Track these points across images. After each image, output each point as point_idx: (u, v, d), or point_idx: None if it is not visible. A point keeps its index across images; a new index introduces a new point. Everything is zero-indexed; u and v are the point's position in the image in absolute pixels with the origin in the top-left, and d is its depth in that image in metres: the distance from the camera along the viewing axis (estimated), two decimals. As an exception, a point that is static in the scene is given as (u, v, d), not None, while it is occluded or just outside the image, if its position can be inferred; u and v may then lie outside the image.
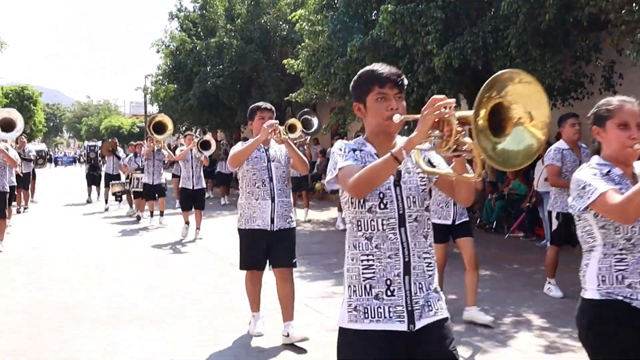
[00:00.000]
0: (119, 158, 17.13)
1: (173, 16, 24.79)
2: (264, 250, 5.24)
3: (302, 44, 14.27)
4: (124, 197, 16.24)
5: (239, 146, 5.31)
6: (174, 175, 17.34)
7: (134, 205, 15.29)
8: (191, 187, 11.29)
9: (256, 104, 5.61)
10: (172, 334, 5.74)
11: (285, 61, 15.45)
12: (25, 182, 15.96)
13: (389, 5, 10.09)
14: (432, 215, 5.07)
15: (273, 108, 5.54)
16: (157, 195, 13.14)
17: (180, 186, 11.85)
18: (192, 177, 11.26)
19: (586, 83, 10.17)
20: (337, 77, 12.40)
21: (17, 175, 14.11)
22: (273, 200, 5.20)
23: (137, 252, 10.21)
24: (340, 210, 11.81)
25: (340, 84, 12.41)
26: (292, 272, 5.40)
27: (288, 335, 5.25)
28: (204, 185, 11.90)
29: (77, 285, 7.80)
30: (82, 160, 20.19)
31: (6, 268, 8.90)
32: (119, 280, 8.09)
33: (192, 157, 11.30)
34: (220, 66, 21.95)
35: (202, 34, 23.91)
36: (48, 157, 66.59)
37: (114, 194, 16.10)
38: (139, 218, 14.29)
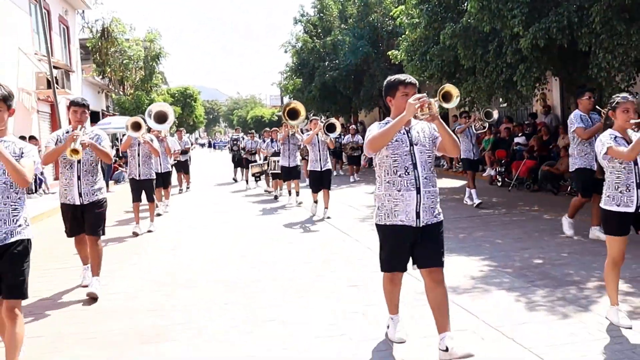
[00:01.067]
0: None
1: (297, 21, 24.86)
2: (409, 248, 3.86)
3: (403, 36, 13.64)
4: (262, 177, 15.82)
5: (375, 128, 3.84)
6: (303, 158, 16.30)
7: (271, 184, 14.52)
8: (319, 169, 10.27)
9: (396, 77, 3.88)
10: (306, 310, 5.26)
11: (389, 52, 14.96)
12: (185, 167, 15.91)
13: (477, -7, 9.29)
14: (609, 202, 4.36)
15: (417, 82, 3.93)
16: (293, 176, 12.26)
17: (308, 168, 10.85)
18: (320, 159, 10.22)
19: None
20: (432, 64, 11.76)
21: (178, 162, 14.71)
22: (418, 191, 3.75)
23: (273, 229, 9.35)
24: (470, 186, 10.89)
25: (436, 69, 11.77)
26: (443, 273, 3.92)
27: (447, 350, 3.62)
28: (331, 167, 10.73)
29: (220, 260, 7.87)
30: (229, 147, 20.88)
31: (155, 241, 9.21)
32: (253, 254, 7.53)
33: (318, 141, 10.30)
34: (336, 61, 21.74)
35: (321, 34, 23.74)
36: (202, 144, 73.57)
37: (253, 174, 15.69)
38: (276, 197, 13.60)
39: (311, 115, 30.76)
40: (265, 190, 15.03)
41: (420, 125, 3.85)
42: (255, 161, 16.46)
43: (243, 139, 18.68)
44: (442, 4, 11.47)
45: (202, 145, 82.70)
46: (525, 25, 8.88)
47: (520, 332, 4.21)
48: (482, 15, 9.32)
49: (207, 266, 6.81)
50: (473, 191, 10.81)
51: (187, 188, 16.21)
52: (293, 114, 10.99)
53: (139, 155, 9.23)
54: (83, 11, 24.82)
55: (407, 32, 13.27)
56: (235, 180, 18.95)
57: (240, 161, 18.22)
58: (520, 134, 14.74)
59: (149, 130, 9.87)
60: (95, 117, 24.82)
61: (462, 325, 4.40)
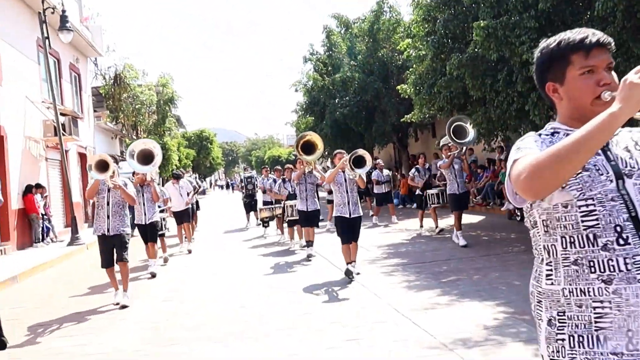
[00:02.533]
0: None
1: (307, 59, 24.86)
2: None
3: (410, 70, 13.31)
4: (273, 223, 13.76)
5: (531, 143, 1.78)
6: (329, 202, 14.40)
7: (286, 233, 12.37)
8: (347, 215, 7.97)
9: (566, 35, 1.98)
10: None
11: (398, 87, 14.65)
12: (183, 216, 12.42)
13: (482, 22, 8.92)
14: None
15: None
16: (311, 222, 10.23)
17: (334, 214, 8.36)
18: (348, 202, 8.00)
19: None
20: (441, 96, 11.34)
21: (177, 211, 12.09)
22: None
23: (285, 290, 7.45)
24: (456, 227, 10.32)
25: (444, 101, 11.34)
26: None
27: None
28: (361, 213, 8.21)
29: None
30: (240, 188, 18.24)
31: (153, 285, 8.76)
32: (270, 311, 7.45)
33: (345, 180, 8.07)
34: (346, 98, 21.50)
35: (330, 71, 23.65)
36: (221, 186, 70.71)
37: (261, 219, 13.62)
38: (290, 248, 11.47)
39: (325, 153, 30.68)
40: (279, 242, 12.57)
41: (623, 137, 1.81)
42: (271, 202, 13.85)
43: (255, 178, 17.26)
44: (448, 35, 11.13)
45: (221, 187, 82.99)
46: (534, 52, 8.44)
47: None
48: (489, 44, 8.92)
49: None
50: (459, 233, 10.22)
51: (188, 251, 12.15)
52: (308, 147, 9.27)
53: (108, 204, 7.29)
54: (95, 59, 25.13)
55: (414, 66, 12.96)
56: (248, 228, 16.66)
57: (253, 205, 16.54)
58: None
59: (133, 174, 9.53)
60: (108, 163, 24.84)
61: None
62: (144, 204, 9.38)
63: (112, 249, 7.30)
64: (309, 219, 10.22)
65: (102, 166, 7.14)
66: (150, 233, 9.58)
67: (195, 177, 15.52)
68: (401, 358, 4.51)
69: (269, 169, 16.11)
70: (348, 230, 7.94)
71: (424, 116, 14.48)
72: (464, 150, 10.67)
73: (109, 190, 7.30)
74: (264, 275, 8.87)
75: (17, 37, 15.27)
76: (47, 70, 15.83)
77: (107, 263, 7.30)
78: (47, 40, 15.19)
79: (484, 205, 15.92)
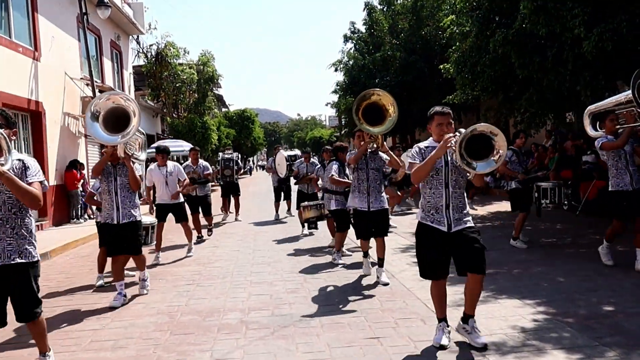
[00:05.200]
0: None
1: (347, 38, 24.19)
2: None
3: (453, 47, 12.59)
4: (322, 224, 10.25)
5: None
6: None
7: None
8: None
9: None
10: None
11: (441, 66, 13.92)
12: (204, 205, 10.89)
13: (531, -7, 8.19)
14: None
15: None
16: (377, 230, 6.73)
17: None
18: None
19: None
20: (484, 75, 10.61)
21: (189, 197, 10.36)
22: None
23: (312, 284, 7.32)
24: None
25: (487, 81, 10.61)
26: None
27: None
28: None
29: None
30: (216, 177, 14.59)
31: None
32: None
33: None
34: (387, 77, 20.80)
35: (372, 50, 22.92)
36: (262, 166, 57.79)
37: (306, 220, 9.78)
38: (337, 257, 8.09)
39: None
40: (339, 251, 8.15)
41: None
42: (315, 196, 10.73)
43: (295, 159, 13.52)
44: (494, 10, 10.36)
45: (262, 167, 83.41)
46: (588, 27, 7.68)
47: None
48: (538, 18, 8.19)
49: None
50: None
51: (199, 237, 10.11)
52: (374, 113, 6.14)
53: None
54: (137, 36, 25.16)
55: (457, 43, 12.24)
56: (278, 219, 13.64)
57: (285, 191, 13.76)
58: (589, 152, 13.23)
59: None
60: (150, 141, 25.05)
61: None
62: (115, 194, 6.20)
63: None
64: (373, 222, 6.64)
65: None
66: (126, 240, 6.24)
67: (237, 156, 14.43)
68: (427, 359, 4.07)
69: (310, 153, 12.64)
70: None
71: (467, 97, 13.74)
72: None
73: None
74: (293, 271, 8.50)
75: (56, 12, 15.24)
76: (86, 47, 15.79)
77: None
78: (85, 17, 15.14)
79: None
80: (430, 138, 4.44)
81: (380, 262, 6.71)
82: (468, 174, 4.20)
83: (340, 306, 5.72)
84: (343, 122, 33.38)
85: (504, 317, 5.02)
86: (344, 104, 25.39)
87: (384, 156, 6.71)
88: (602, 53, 7.76)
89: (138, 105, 5.85)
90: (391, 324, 5.01)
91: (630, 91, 5.38)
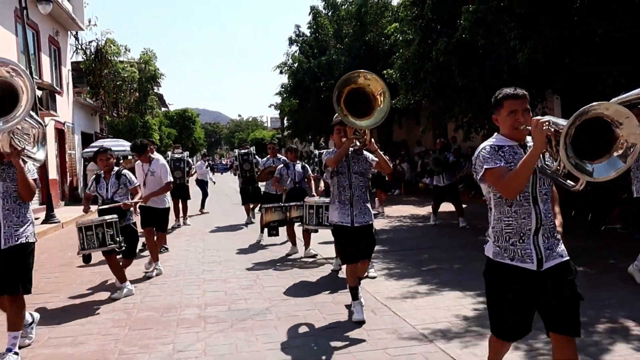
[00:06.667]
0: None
1: (292, 41, 24.51)
2: None
3: (397, 54, 13.12)
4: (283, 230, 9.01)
5: None
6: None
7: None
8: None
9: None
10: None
11: (384, 72, 14.42)
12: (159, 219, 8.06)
13: (471, 6, 8.75)
14: None
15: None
16: (362, 251, 5.39)
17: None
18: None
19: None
20: (426, 82, 11.17)
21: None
22: None
23: (266, 275, 7.99)
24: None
25: (429, 88, 11.17)
26: None
27: None
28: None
29: None
30: (235, 172, 13.49)
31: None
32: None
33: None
34: (332, 81, 21.22)
35: (316, 53, 23.32)
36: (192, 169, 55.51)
37: (266, 225, 8.61)
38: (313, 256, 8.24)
39: (309, 137, 30.53)
40: (310, 256, 8.29)
41: None
42: (277, 197, 9.36)
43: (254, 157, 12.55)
44: (436, 20, 10.94)
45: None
46: (522, 39, 8.30)
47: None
48: (477, 29, 8.78)
49: None
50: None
51: (156, 270, 7.61)
52: (360, 102, 4.93)
53: None
54: (77, 32, 24.47)
55: (401, 50, 12.77)
56: (249, 223, 12.78)
57: (254, 194, 12.54)
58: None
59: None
60: (88, 140, 24.38)
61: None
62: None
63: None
64: (362, 243, 5.22)
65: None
66: (13, 272, 4.38)
67: (187, 155, 13.68)
68: (379, 347, 4.39)
69: (277, 147, 11.47)
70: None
71: (409, 102, 14.32)
72: None
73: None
74: (249, 265, 8.69)
75: (-7, 6, 14.73)
76: (24, 42, 15.32)
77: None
78: (25, 11, 14.69)
79: (466, 194, 15.89)
80: (496, 134, 3.04)
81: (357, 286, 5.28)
82: (571, 185, 2.85)
83: (295, 300, 5.99)
84: (286, 123, 33.66)
85: (448, 307, 5.44)
86: (288, 105, 25.73)
87: (370, 157, 5.29)
88: (534, 64, 8.40)
89: (32, 80, 4.19)
90: (344, 316, 5.32)
91: None
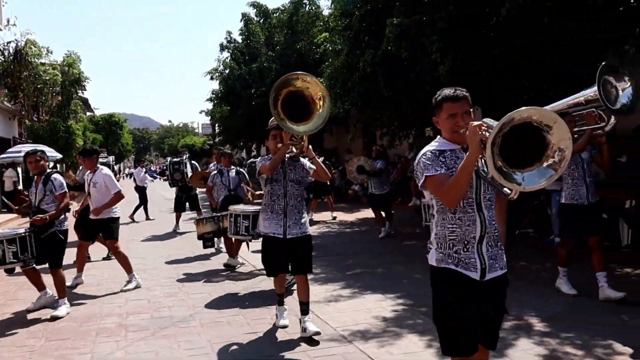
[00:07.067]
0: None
1: (223, 47, 24.34)
2: None
3: (326, 64, 13.37)
4: (218, 241, 9.33)
5: None
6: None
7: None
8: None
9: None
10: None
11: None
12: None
13: (395, 19, 9.08)
14: None
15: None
16: (300, 265, 5.25)
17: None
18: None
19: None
20: (355, 91, 11.46)
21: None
22: None
23: (190, 280, 8.67)
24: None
25: (357, 97, 11.47)
26: None
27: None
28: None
29: None
30: (166, 179, 13.51)
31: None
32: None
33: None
34: (263, 88, 21.28)
35: (248, 60, 23.29)
36: (130, 174, 53.61)
37: (200, 237, 8.37)
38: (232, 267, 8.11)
39: (240, 143, 30.32)
40: (227, 265, 8.15)
41: None
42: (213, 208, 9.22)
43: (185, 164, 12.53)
44: (364, 31, 11.25)
45: (130, 175, 79.05)
46: (443, 53, 8.69)
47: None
48: (401, 42, 9.10)
49: None
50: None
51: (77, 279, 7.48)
52: (298, 106, 4.65)
53: None
54: (-7, 32, 23.28)
55: (330, 60, 13.02)
56: (177, 231, 12.60)
57: (194, 202, 12.72)
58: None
59: None
60: (5, 145, 23.17)
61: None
62: None
63: None
64: (292, 257, 4.98)
65: None
66: None
67: (112, 160, 13.23)
68: (301, 349, 4.51)
69: (221, 150, 10.42)
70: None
71: (338, 110, 14.62)
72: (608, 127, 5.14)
73: None
74: (173, 268, 8.59)
75: None
76: None
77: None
78: None
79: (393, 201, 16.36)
80: (439, 137, 2.94)
81: (304, 309, 4.94)
82: (507, 192, 2.83)
83: (220, 306, 6.01)
84: (217, 130, 33.33)
85: (368, 309, 5.64)
86: (219, 112, 25.50)
87: (308, 164, 5.05)
88: (455, 76, 8.82)
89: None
90: (268, 320, 5.39)
91: (592, 89, 4.26)
